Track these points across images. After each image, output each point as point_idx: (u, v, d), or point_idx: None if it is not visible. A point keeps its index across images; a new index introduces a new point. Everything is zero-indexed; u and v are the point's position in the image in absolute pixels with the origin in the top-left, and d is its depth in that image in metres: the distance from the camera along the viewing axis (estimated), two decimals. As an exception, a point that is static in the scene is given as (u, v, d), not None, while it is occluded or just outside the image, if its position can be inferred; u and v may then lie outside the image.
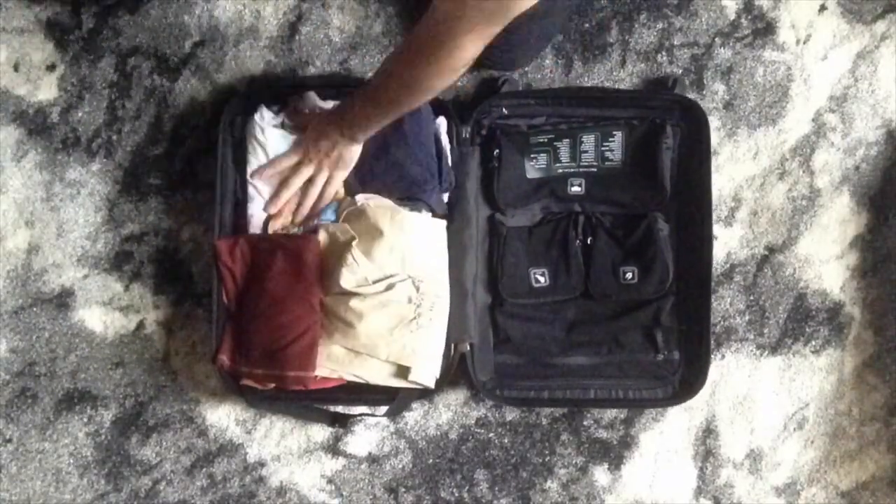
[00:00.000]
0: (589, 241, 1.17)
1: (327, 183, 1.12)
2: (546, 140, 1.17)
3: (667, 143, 1.15)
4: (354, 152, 1.10)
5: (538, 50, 1.20)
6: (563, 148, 1.17)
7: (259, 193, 1.14)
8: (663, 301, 1.17)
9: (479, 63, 1.18)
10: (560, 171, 1.17)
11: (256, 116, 1.14)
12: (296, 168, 1.12)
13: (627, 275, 1.16)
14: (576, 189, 1.17)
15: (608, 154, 1.16)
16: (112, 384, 1.23)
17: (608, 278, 1.17)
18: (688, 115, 1.16)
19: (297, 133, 1.13)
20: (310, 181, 1.12)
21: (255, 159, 1.14)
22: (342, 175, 1.12)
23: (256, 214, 1.14)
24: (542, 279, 1.17)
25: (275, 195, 1.13)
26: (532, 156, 1.17)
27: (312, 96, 1.15)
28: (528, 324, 1.18)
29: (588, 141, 1.16)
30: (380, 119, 1.03)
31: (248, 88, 1.21)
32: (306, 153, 1.11)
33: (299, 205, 1.14)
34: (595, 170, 1.17)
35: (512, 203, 1.18)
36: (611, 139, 1.16)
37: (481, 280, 1.18)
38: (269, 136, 1.13)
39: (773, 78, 1.22)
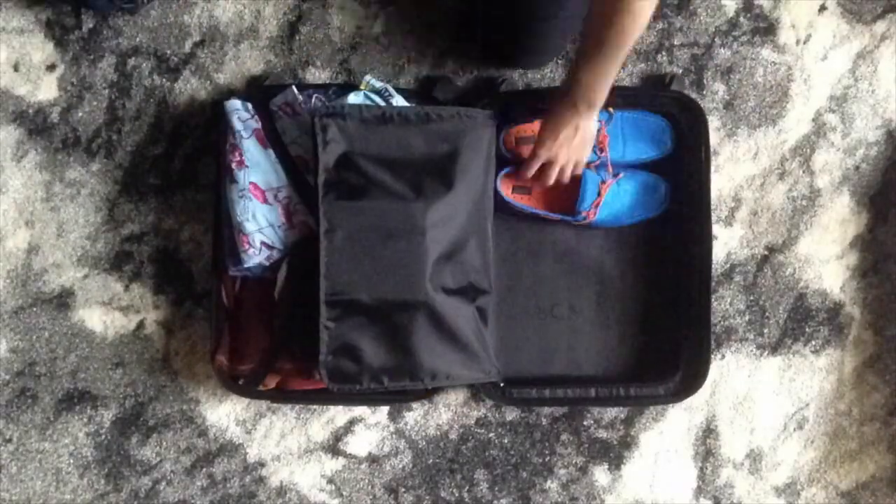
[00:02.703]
0: None
1: (575, 167, 1.12)
2: None
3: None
4: (594, 126, 1.09)
5: (558, 49, 1.20)
6: None
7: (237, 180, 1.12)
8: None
9: (502, 62, 1.20)
10: None
11: (234, 119, 1.13)
12: (545, 169, 1.11)
13: None
14: None
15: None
16: (112, 384, 1.23)
17: None
18: (686, 114, 1.16)
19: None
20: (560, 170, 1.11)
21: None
22: (587, 154, 1.11)
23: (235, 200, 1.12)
24: None
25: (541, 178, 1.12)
26: None
27: (293, 91, 1.14)
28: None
29: None
30: (609, 78, 1.00)
31: (247, 88, 1.21)
32: (550, 149, 1.08)
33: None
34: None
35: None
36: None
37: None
38: (247, 146, 1.12)
39: (773, 78, 1.22)
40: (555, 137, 1.06)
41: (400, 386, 1.08)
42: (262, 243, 1.09)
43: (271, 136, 1.12)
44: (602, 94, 1.02)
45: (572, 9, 1.06)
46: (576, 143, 1.07)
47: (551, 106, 1.06)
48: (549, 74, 1.22)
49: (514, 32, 1.11)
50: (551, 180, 1.11)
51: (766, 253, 1.23)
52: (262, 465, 1.23)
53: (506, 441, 1.23)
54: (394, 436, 1.23)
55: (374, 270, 1.05)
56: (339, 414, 1.23)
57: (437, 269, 1.06)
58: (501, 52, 1.17)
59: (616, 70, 0.98)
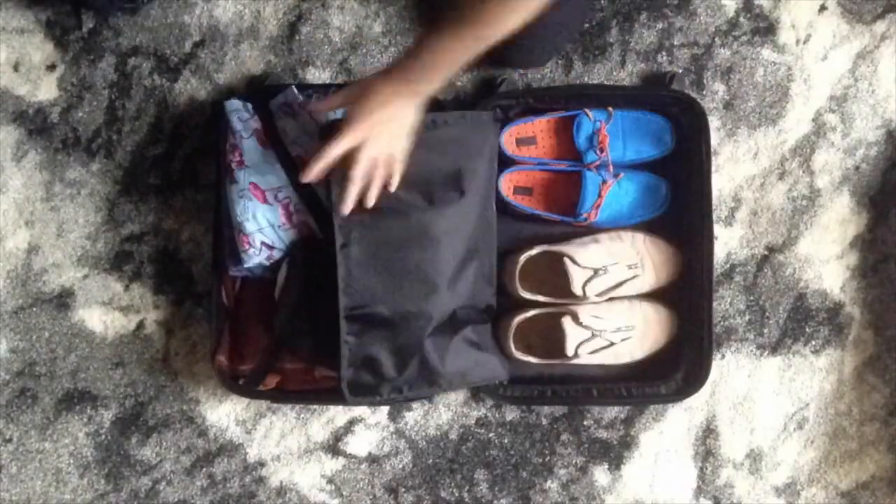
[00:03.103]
0: None
1: (386, 165, 0.97)
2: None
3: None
4: (416, 116, 0.95)
5: (557, 47, 1.19)
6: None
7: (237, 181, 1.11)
8: None
9: (500, 61, 1.18)
10: None
11: (234, 120, 1.13)
12: (353, 156, 0.94)
13: None
14: None
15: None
16: (112, 384, 1.23)
17: None
18: (687, 113, 1.16)
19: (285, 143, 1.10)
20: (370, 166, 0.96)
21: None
22: (401, 153, 0.97)
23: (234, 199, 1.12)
24: None
25: (342, 194, 0.97)
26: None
27: (293, 91, 1.14)
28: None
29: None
30: (457, 63, 0.89)
31: (247, 88, 1.21)
32: (359, 133, 0.93)
33: (365, 195, 0.98)
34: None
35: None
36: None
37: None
38: (246, 146, 1.12)
39: (773, 78, 1.22)
40: (369, 118, 0.91)
41: (419, 395, 1.08)
42: (262, 243, 1.09)
43: (271, 136, 1.12)
44: (442, 78, 0.90)
45: (571, 7, 1.05)
46: (394, 130, 0.93)
47: (371, 82, 0.92)
48: (549, 74, 1.22)
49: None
50: (358, 173, 0.95)
51: (766, 253, 1.23)
52: (262, 465, 1.23)
53: (506, 441, 1.23)
54: (394, 436, 1.23)
55: (392, 282, 1.03)
56: (339, 414, 1.23)
57: (452, 275, 1.06)
58: (499, 51, 1.17)
59: (467, 57, 0.87)
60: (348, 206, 0.98)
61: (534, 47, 1.15)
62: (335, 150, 0.94)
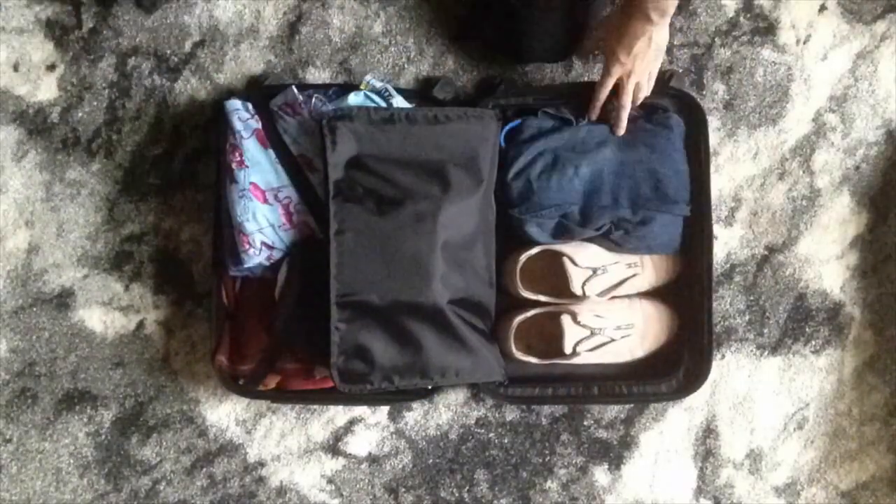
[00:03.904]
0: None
1: (649, 81, 1.09)
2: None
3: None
4: (666, 34, 1.05)
5: (572, 42, 1.19)
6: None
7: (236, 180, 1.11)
8: None
9: (519, 57, 1.19)
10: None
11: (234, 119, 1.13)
12: (620, 85, 1.08)
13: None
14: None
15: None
16: (112, 384, 1.23)
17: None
18: (686, 112, 1.16)
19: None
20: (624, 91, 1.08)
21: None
22: (657, 66, 1.08)
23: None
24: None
25: (618, 121, 1.11)
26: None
27: (293, 91, 1.14)
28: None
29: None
30: None
31: (247, 88, 1.21)
32: (624, 64, 1.05)
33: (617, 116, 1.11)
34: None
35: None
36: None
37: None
38: (247, 145, 1.12)
39: (773, 78, 1.22)
40: (628, 51, 1.03)
41: (410, 384, 1.08)
42: (262, 243, 1.09)
43: (271, 136, 1.12)
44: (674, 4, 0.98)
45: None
46: (650, 55, 1.04)
47: (619, 19, 1.03)
48: (549, 74, 1.22)
49: (526, 24, 1.11)
50: (628, 98, 1.09)
51: (766, 253, 1.23)
52: (262, 465, 1.23)
53: (506, 441, 1.23)
54: (394, 436, 1.23)
55: (385, 271, 1.05)
56: (339, 414, 1.23)
57: (447, 269, 1.06)
58: (512, 46, 1.17)
59: None
60: (622, 128, 1.12)
61: (547, 40, 1.16)
62: (606, 88, 1.09)
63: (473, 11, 1.19)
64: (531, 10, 1.10)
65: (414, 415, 1.23)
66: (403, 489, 1.23)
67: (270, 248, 1.10)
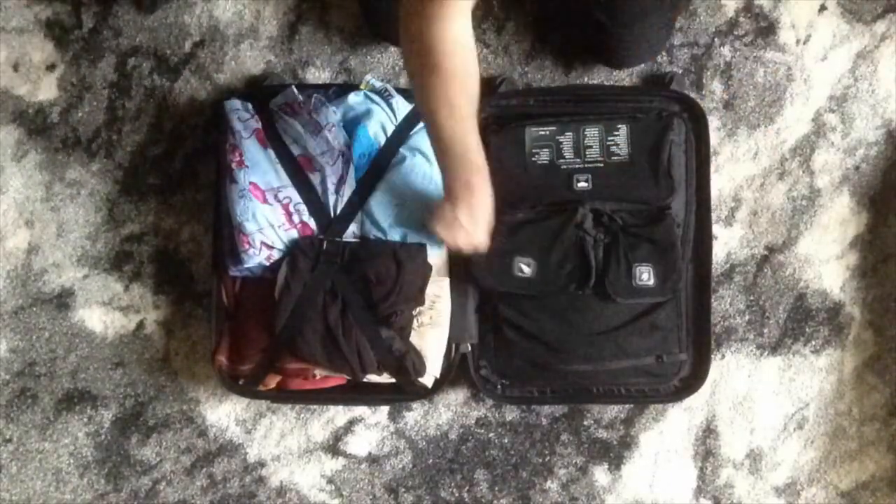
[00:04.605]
0: (603, 238, 1.12)
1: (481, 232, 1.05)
2: (548, 133, 1.16)
3: (674, 138, 1.14)
4: (488, 189, 1.01)
5: (659, 43, 1.19)
6: (567, 142, 1.15)
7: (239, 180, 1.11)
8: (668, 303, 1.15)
9: (607, 62, 1.21)
10: (564, 166, 1.15)
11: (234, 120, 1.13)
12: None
13: (643, 275, 1.11)
14: (582, 185, 1.14)
15: (614, 148, 1.14)
16: (112, 384, 1.23)
17: (625, 279, 1.11)
18: (686, 113, 1.16)
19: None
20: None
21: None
22: (489, 215, 1.04)
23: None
24: (526, 269, 1.13)
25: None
26: (534, 150, 1.16)
27: (293, 91, 1.14)
28: (526, 325, 1.16)
29: (592, 134, 1.15)
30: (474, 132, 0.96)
31: (247, 88, 1.21)
32: (457, 240, 1.04)
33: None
34: (601, 165, 1.14)
35: (511, 200, 1.13)
36: (616, 133, 1.14)
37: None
38: (247, 146, 1.12)
39: (773, 78, 1.22)
40: (452, 226, 1.01)
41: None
42: (262, 243, 1.09)
43: (271, 136, 1.13)
44: (480, 151, 0.97)
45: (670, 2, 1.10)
46: (482, 223, 1.03)
47: (442, 215, 1.01)
48: (549, 74, 1.22)
49: (621, 31, 1.12)
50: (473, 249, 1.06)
51: (766, 253, 1.23)
52: (262, 465, 1.23)
53: (506, 441, 1.23)
54: (394, 436, 1.23)
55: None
56: (339, 414, 1.23)
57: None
58: (610, 55, 1.19)
59: (471, 123, 0.93)
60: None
61: (637, 46, 1.17)
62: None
63: (551, 18, 1.20)
64: (623, 29, 1.11)
65: (414, 415, 1.23)
66: (403, 489, 1.23)
67: (270, 248, 1.10)
